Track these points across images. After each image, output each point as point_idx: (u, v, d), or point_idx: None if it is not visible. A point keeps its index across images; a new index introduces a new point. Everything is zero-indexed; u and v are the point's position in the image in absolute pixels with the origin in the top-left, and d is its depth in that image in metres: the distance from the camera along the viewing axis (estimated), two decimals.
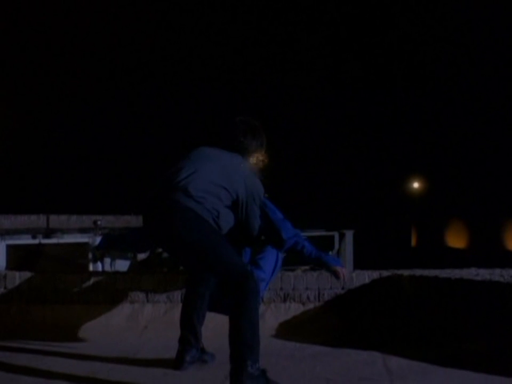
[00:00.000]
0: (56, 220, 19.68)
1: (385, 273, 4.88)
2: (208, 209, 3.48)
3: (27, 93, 30.82)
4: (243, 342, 3.25)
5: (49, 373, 3.66)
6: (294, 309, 4.82)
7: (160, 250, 3.72)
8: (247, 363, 3.20)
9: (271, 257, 4.01)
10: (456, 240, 36.49)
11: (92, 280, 4.82)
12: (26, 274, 4.85)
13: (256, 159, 3.98)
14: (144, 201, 3.66)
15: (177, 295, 4.77)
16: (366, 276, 4.87)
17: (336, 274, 4.30)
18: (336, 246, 19.44)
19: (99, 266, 13.98)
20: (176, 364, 3.80)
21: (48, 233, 15.55)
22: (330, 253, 19.17)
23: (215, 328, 4.15)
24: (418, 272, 4.85)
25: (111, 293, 4.80)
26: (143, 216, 3.71)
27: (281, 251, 4.16)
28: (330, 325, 4.67)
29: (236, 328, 3.29)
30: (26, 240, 14.41)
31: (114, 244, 4.59)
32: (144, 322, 4.76)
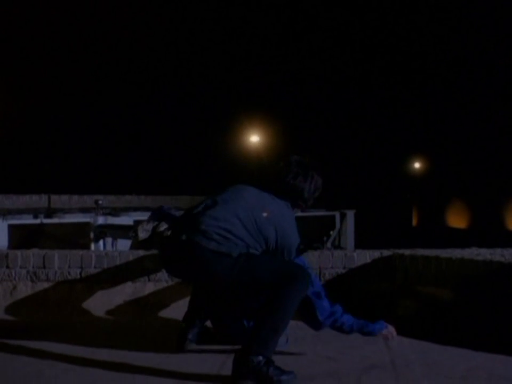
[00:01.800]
0: (57, 200, 19.72)
1: (386, 252, 4.89)
2: (231, 247, 3.29)
3: (29, 76, 30.73)
4: (258, 338, 3.16)
5: (50, 352, 3.67)
6: None
7: (161, 229, 3.64)
8: (251, 357, 3.11)
9: None
10: (457, 220, 36.56)
11: (94, 259, 4.83)
12: (28, 254, 4.86)
13: (305, 204, 3.68)
14: (165, 241, 3.51)
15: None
16: (367, 255, 4.88)
17: (385, 338, 3.80)
18: (338, 225, 19.49)
19: (101, 246, 14.02)
20: (178, 343, 3.80)
21: (50, 213, 15.58)
22: (331, 232, 19.24)
23: None
24: (419, 251, 4.86)
25: (113, 272, 4.81)
26: (162, 255, 3.57)
27: (316, 331, 3.79)
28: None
29: (258, 322, 3.21)
30: (28, 220, 14.46)
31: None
32: (146, 301, 4.77)
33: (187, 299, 4.04)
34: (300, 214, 3.96)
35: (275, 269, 3.32)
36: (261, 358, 3.12)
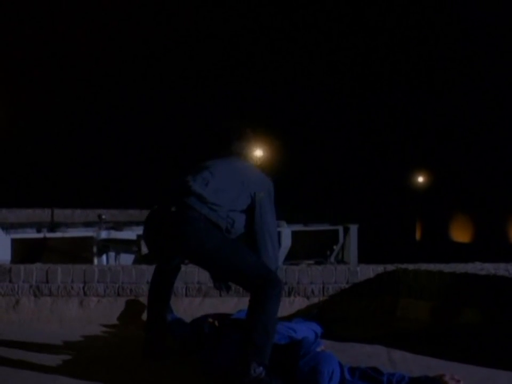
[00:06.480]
0: (60, 214, 19.73)
1: (390, 267, 4.88)
2: (223, 217, 3.39)
3: (31, 85, 30.86)
4: (253, 345, 3.18)
5: (52, 366, 3.66)
6: (298, 303, 4.82)
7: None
8: (250, 367, 3.13)
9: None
10: (460, 234, 36.47)
11: (97, 274, 4.83)
12: (31, 268, 4.86)
13: (255, 160, 3.93)
14: (155, 208, 3.53)
15: (182, 288, 4.78)
16: (370, 270, 4.87)
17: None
18: (341, 240, 19.45)
19: (104, 260, 14.01)
20: (146, 354, 3.78)
21: (53, 227, 15.58)
22: (334, 247, 19.21)
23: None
24: (423, 266, 4.85)
25: (116, 286, 4.81)
26: (149, 221, 3.55)
27: None
28: (335, 318, 4.67)
29: (249, 330, 3.22)
30: (31, 234, 14.44)
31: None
32: None
33: (188, 310, 4.02)
34: (303, 228, 3.97)
35: (255, 265, 3.35)
36: (261, 368, 3.14)
